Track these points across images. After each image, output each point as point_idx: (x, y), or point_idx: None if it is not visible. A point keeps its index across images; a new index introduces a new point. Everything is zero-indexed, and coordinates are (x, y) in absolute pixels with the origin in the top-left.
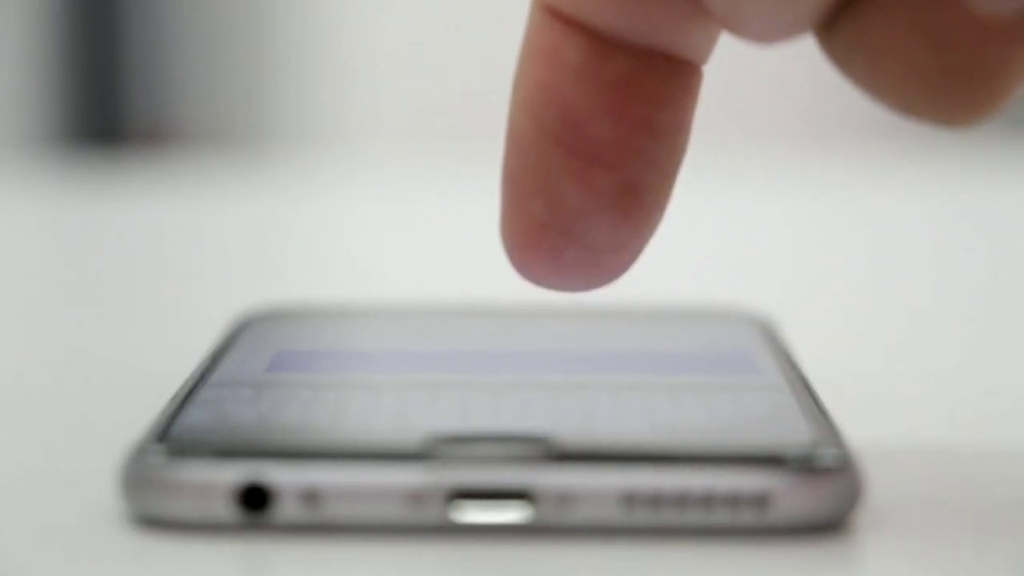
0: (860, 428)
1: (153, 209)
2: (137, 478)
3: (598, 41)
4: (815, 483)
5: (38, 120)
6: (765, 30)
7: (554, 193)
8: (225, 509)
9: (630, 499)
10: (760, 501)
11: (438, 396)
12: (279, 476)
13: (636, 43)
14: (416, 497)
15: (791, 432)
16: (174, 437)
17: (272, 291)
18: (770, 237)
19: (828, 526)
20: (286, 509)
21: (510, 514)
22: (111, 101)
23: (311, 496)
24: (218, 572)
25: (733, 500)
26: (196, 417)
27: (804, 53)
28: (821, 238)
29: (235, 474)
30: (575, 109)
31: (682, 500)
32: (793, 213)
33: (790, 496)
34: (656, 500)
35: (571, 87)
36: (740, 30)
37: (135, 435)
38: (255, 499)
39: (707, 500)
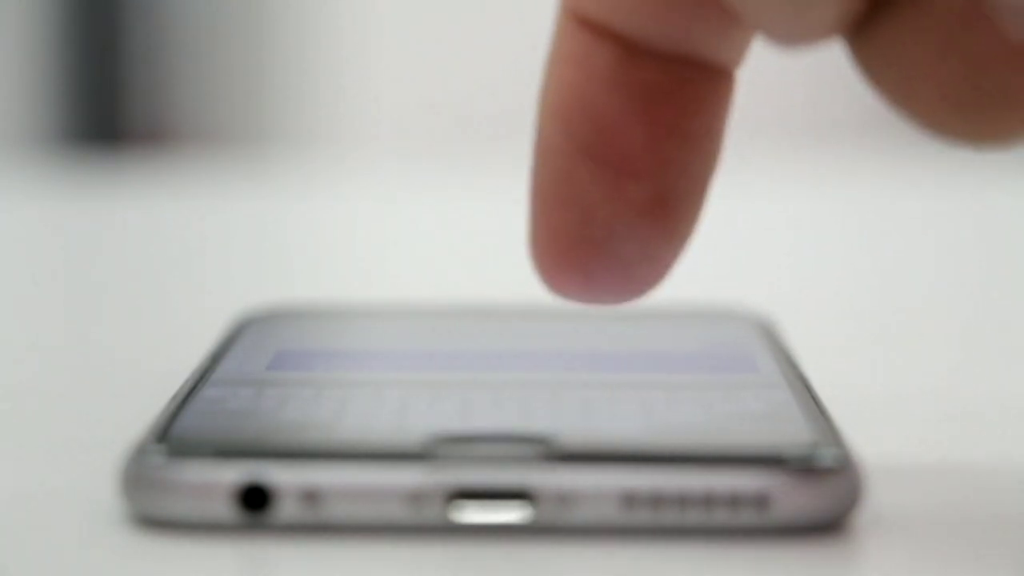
0: (860, 428)
1: (153, 209)
2: (137, 478)
3: (628, 48)
4: (815, 483)
5: (38, 120)
6: (790, 32)
7: (584, 205)
8: (225, 509)
9: (630, 499)
10: (760, 501)
11: (438, 396)
12: (279, 476)
13: (667, 50)
14: (416, 497)
15: (791, 432)
16: (174, 437)
17: (272, 291)
18: (770, 237)
19: (828, 526)
20: (286, 509)
21: (510, 514)
22: (111, 101)
23: (311, 496)
24: (218, 572)
25: (733, 500)
26: (196, 417)
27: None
28: (821, 238)
29: (235, 474)
30: (606, 117)
31: (682, 500)
32: (793, 213)
33: (790, 496)
34: (656, 500)
35: (601, 95)
36: (766, 32)
37: (135, 435)
38: (255, 499)
39: (707, 500)
